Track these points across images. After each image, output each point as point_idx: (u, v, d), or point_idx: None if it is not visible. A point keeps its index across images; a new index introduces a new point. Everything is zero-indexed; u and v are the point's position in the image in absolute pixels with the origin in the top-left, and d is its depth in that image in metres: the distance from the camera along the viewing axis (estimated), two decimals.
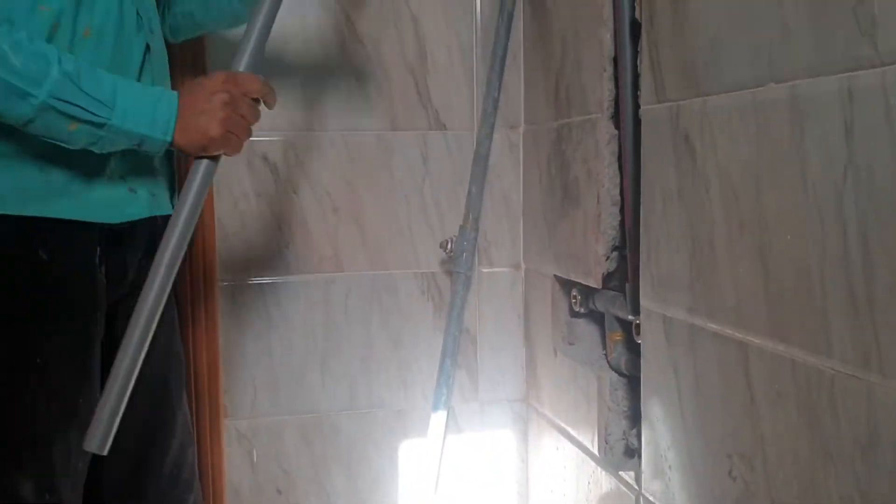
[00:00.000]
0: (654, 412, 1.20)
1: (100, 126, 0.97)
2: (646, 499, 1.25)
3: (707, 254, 1.04)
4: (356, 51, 1.63)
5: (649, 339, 1.21)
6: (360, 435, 1.70)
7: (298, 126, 1.63)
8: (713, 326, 1.03)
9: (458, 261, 1.62)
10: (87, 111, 0.96)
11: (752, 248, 0.95)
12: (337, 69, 1.63)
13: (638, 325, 1.29)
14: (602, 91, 1.35)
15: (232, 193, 1.61)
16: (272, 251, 1.63)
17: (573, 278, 1.49)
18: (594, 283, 1.40)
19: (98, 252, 1.08)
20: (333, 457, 1.69)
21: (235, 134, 1.04)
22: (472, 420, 1.75)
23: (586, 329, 1.55)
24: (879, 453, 0.76)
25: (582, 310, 1.52)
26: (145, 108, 1.00)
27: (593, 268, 1.40)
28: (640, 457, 1.28)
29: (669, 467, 1.16)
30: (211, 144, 1.03)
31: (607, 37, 1.34)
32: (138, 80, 1.10)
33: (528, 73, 1.68)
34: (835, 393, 0.82)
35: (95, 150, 1.01)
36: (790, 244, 0.88)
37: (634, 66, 1.27)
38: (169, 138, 1.02)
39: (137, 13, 1.10)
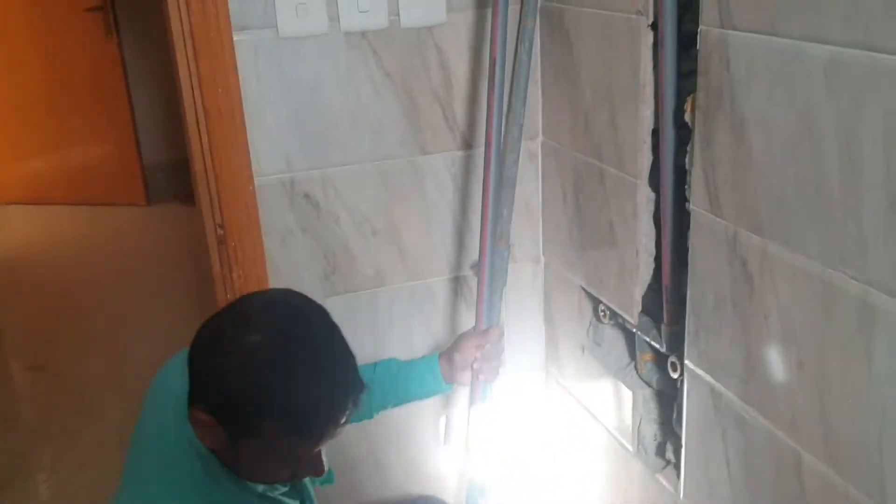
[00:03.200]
0: (699, 450, 1.46)
1: None
2: None
3: (763, 367, 1.24)
4: (386, 85, 1.66)
5: (695, 395, 1.43)
6: (409, 416, 1.93)
7: (335, 161, 1.69)
8: (766, 423, 1.26)
9: None
10: None
11: (810, 388, 1.16)
12: (369, 104, 1.66)
13: (674, 363, 1.51)
14: (642, 160, 1.47)
15: (279, 232, 1.70)
16: (320, 278, 1.75)
17: (605, 301, 1.68)
18: (630, 318, 1.59)
19: None
20: (387, 439, 1.92)
21: None
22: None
23: (611, 335, 1.77)
24: None
25: (609, 322, 1.73)
26: None
27: (630, 307, 1.59)
28: (676, 468, 1.56)
29: (710, 490, 1.43)
30: None
31: (647, 114, 1.44)
32: None
33: (547, 89, 1.75)
34: None
35: None
36: (850, 404, 1.09)
37: (678, 146, 1.39)
38: None
39: None
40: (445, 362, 1.57)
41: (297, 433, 1.11)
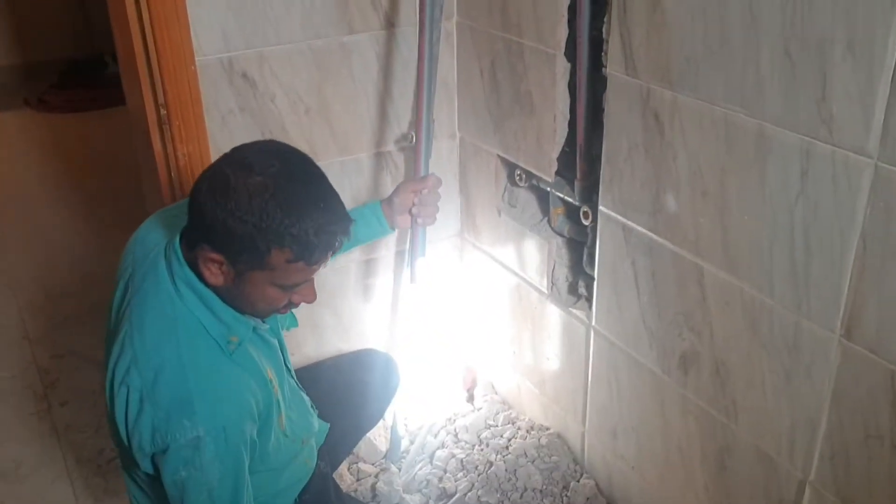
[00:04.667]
0: (609, 280, 1.73)
1: None
2: (597, 331, 1.82)
3: (671, 201, 1.51)
4: None
5: (607, 235, 1.69)
6: (340, 280, 2.10)
7: (270, 41, 1.79)
8: (672, 247, 1.54)
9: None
10: None
11: (713, 211, 1.43)
12: None
13: (586, 212, 1.76)
14: (560, 34, 1.67)
15: (220, 111, 1.79)
16: None
17: (522, 165, 1.90)
18: (547, 177, 1.82)
19: None
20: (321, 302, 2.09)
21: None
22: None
23: (525, 196, 2.00)
24: (802, 355, 1.35)
25: (524, 185, 1.95)
26: None
27: (547, 167, 1.81)
28: (588, 300, 1.83)
29: (620, 313, 1.72)
30: None
31: None
32: None
33: None
34: (773, 317, 1.37)
35: None
36: (747, 222, 1.37)
37: (593, 19, 1.60)
38: None
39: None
40: (387, 206, 1.72)
41: (301, 259, 1.26)
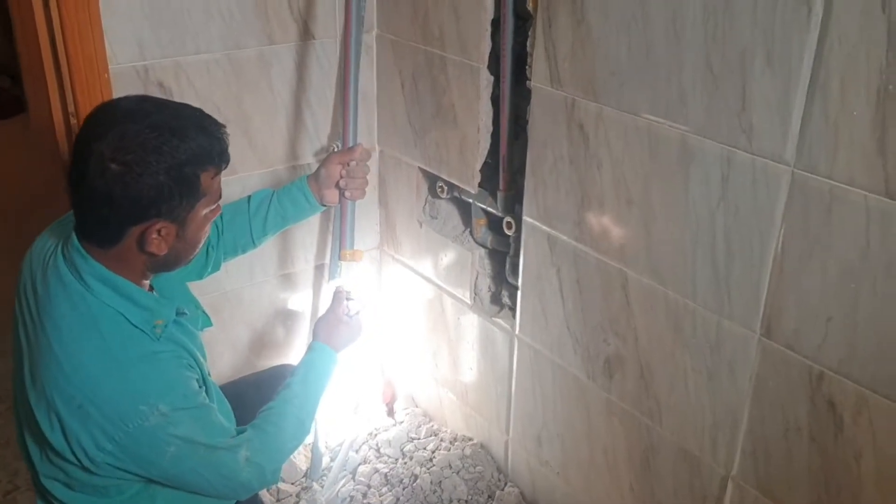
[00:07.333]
0: (534, 289, 1.76)
1: None
2: (521, 339, 1.85)
3: (595, 209, 1.55)
4: None
5: (531, 245, 1.72)
6: (257, 297, 2.06)
7: (188, 50, 1.74)
8: (597, 255, 1.58)
9: None
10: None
11: (637, 218, 1.48)
12: None
13: (509, 223, 1.79)
14: (483, 47, 1.70)
15: None
16: None
17: (444, 177, 1.92)
18: (471, 188, 1.84)
19: None
20: (237, 318, 2.04)
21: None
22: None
23: (447, 208, 2.01)
24: (724, 354, 1.41)
25: (446, 197, 1.97)
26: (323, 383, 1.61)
27: (470, 178, 1.83)
28: (511, 309, 1.86)
29: (545, 321, 1.75)
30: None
31: (489, 5, 1.67)
32: None
33: None
34: (696, 318, 1.43)
35: None
36: (670, 227, 1.42)
37: (516, 34, 1.64)
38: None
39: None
40: (313, 181, 1.70)
41: (222, 164, 1.30)
